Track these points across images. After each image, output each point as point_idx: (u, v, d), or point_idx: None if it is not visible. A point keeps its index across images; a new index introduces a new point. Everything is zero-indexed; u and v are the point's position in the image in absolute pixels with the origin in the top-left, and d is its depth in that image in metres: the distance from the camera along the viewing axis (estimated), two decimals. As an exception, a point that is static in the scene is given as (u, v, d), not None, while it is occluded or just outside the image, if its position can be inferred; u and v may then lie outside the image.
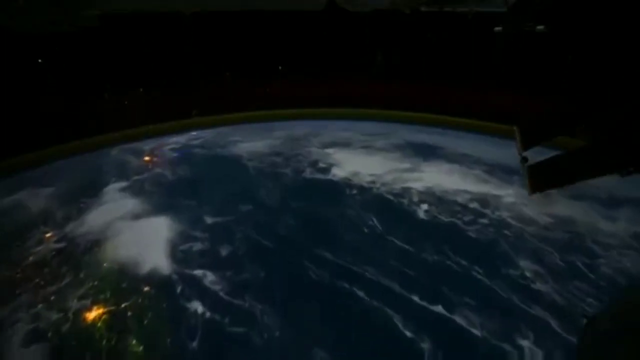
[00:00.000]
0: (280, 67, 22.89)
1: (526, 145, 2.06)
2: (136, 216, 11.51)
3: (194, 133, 20.01)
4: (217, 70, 21.53)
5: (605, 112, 1.88)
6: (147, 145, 18.40)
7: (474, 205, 11.81)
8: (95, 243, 10.19)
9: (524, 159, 2.01)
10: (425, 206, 11.66)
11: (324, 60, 21.61)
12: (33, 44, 15.48)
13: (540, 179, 1.95)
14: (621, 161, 1.70)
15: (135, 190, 13.49)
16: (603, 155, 1.80)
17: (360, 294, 7.93)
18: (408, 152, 17.04)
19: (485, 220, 10.93)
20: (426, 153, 16.67)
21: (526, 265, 8.91)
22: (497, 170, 14.52)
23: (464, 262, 8.86)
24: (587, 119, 1.97)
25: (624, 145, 1.71)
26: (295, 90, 21.90)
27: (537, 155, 2.05)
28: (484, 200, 12.16)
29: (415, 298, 7.72)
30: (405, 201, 12.05)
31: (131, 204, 12.38)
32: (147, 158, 17.34)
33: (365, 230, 10.43)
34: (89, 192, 13.27)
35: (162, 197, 12.85)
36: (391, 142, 18.40)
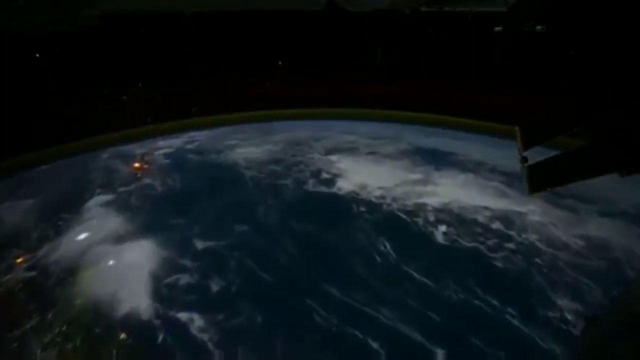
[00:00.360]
0: (280, 62, 22.26)
1: (527, 145, 2.04)
2: (119, 238, 10.26)
3: (192, 134, 18.86)
4: (217, 70, 20.88)
5: (605, 112, 1.86)
6: (142, 148, 17.13)
7: (496, 225, 10.56)
8: (70, 273, 8.97)
9: (524, 159, 1.97)
10: (443, 227, 10.37)
11: (324, 60, 21.17)
12: (33, 44, 15.41)
13: (539, 179, 1.93)
14: (621, 161, 1.66)
15: (121, 205, 12.22)
16: (603, 155, 1.77)
17: (375, 345, 6.68)
18: (417, 159, 15.81)
19: (511, 245, 9.68)
20: (437, 161, 15.44)
21: (565, 305, 7.68)
22: (515, 181, 13.27)
23: (494, 302, 7.61)
24: (587, 119, 1.95)
25: (624, 145, 1.67)
26: (295, 90, 21.28)
27: (537, 155, 1.97)
28: (507, 218, 10.91)
29: (441, 352, 6.49)
30: (420, 221, 10.75)
31: (114, 222, 11.12)
32: (137, 165, 16.07)
33: (378, 258, 9.13)
34: (71, 205, 12.07)
35: (149, 214, 11.56)
36: (397, 147, 17.22)
